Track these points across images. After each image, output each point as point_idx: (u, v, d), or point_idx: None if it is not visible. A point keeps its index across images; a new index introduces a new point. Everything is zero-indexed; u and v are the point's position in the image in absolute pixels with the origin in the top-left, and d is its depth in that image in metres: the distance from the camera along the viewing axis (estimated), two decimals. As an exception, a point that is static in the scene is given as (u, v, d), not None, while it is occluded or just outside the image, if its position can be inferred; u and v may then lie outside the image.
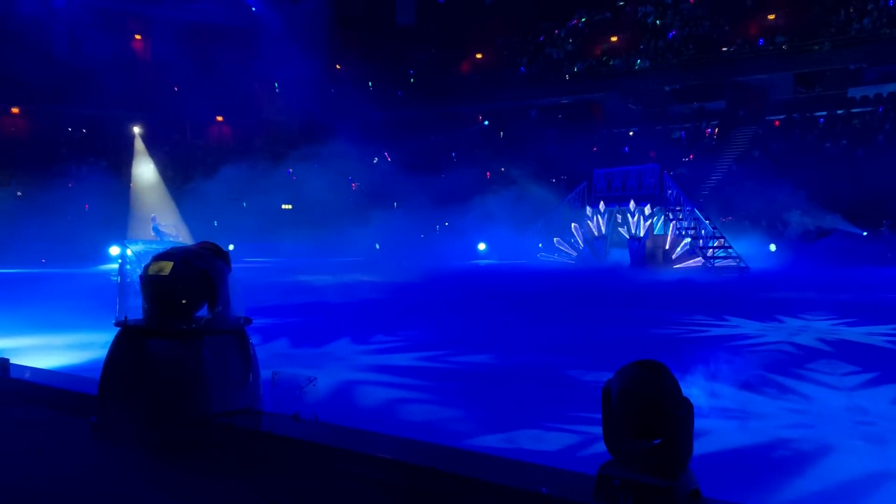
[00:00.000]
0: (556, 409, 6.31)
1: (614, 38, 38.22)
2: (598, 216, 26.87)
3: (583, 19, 40.00)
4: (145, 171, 30.27)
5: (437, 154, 36.91)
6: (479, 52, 41.21)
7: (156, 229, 22.49)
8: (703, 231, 24.14)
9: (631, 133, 35.83)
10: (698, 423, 3.57)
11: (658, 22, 37.52)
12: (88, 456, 5.00)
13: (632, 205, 25.68)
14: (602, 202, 26.79)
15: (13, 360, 6.83)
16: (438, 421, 5.99)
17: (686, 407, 3.48)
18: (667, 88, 35.56)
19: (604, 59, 37.68)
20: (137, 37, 37.69)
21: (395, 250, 26.98)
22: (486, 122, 39.80)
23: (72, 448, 5.14)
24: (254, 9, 37.94)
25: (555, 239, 27.51)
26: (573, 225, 27.31)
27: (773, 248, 26.32)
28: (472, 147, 36.69)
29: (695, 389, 6.73)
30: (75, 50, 32.30)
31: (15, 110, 33.09)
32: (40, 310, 11.71)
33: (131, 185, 29.00)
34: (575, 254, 26.80)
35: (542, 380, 7.65)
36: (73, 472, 4.69)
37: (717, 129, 34.32)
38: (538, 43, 40.51)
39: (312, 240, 27.54)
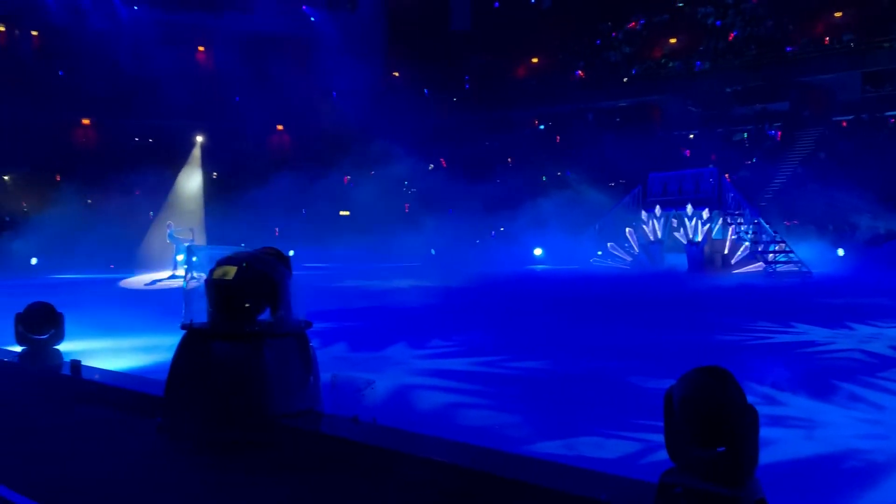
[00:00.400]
0: (617, 416, 6.22)
1: (673, 40, 37.61)
2: (654, 221, 26.50)
3: (641, 21, 39.47)
4: (192, 179, 31.09)
5: (493, 159, 36.88)
6: (534, 57, 41.04)
7: (171, 236, 22.69)
8: (763, 235, 23.56)
9: (691, 136, 35.16)
10: (763, 432, 3.48)
11: (718, 23, 36.77)
12: (154, 455, 5.14)
13: (689, 209, 25.26)
14: (658, 206, 26.43)
15: (84, 362, 7.08)
16: (496, 426, 5.97)
17: (751, 414, 3.40)
18: (728, 90, 34.80)
19: (662, 61, 37.11)
20: (201, 48, 38.75)
21: (450, 255, 27.04)
22: (542, 127, 39.60)
23: (138, 447, 5.30)
24: (312, 19, 38.59)
25: (609, 244, 27.21)
26: (628, 230, 26.97)
27: (840, 252, 25.47)
28: (528, 152, 36.54)
29: (760, 397, 6.55)
30: (141, 62, 33.40)
31: (85, 121, 34.36)
32: (110, 314, 12.11)
33: (171, 192, 29.71)
34: (630, 259, 26.44)
35: (601, 386, 7.55)
36: (140, 471, 4.83)
37: (780, 131, 33.43)
38: (595, 46, 40.13)
39: (369, 245, 27.83)
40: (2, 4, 32.39)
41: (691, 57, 36.14)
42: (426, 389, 7.29)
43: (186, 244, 23.17)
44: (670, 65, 36.65)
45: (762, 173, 30.60)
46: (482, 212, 29.79)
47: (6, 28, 34.46)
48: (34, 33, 34.38)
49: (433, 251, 28.87)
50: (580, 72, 39.11)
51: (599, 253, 27.14)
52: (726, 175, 28.38)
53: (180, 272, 21.98)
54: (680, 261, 24.69)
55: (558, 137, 37.77)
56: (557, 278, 22.61)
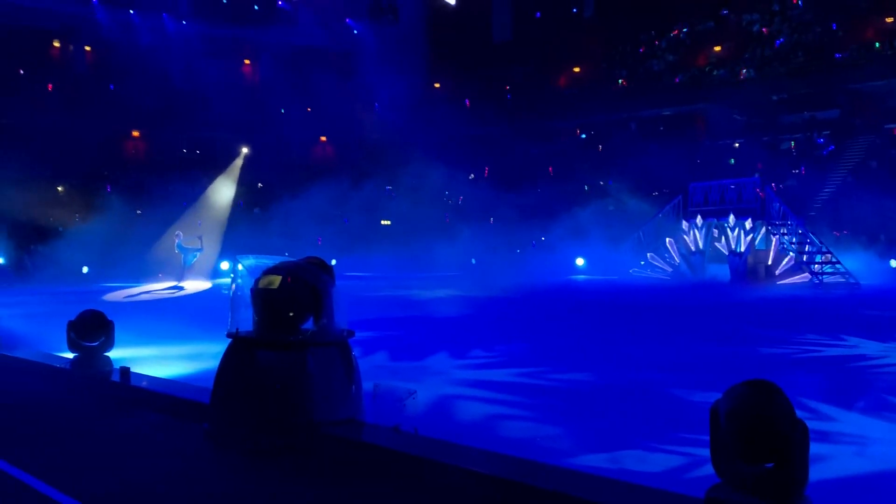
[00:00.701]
0: (661, 429, 6.13)
1: (718, 48, 37.12)
2: (696, 231, 26.17)
3: (684, 30, 39.05)
4: (225, 189, 31.68)
5: (534, 168, 36.77)
6: (576, 66, 40.86)
7: (179, 246, 22.86)
8: (809, 246, 23.07)
9: (736, 145, 34.60)
10: (813, 448, 3.40)
11: (764, 30, 36.18)
12: (201, 460, 5.23)
13: (731, 219, 24.97)
14: (699, 216, 26.13)
15: (133, 369, 7.25)
16: (538, 438, 5.93)
17: (801, 430, 3.32)
18: (774, 98, 34.18)
19: (707, 69, 36.64)
20: (247, 62, 39.47)
21: (491, 265, 27.00)
22: (584, 136, 39.37)
23: (185, 453, 5.40)
24: (356, 31, 39.04)
25: (648, 254, 26.94)
26: (668, 240, 26.66)
27: (894, 263, 24.77)
28: (570, 161, 36.36)
29: (809, 412, 6.40)
30: (189, 76, 34.14)
31: (135, 133, 35.23)
32: (158, 321, 12.37)
33: (200, 200, 30.12)
34: (670, 269, 26.10)
35: (645, 398, 7.45)
36: (187, 476, 4.92)
37: (829, 140, 32.71)
38: (638, 55, 39.81)
39: (410, 254, 27.94)
40: (58, 21, 33.44)
41: (736, 64, 35.61)
42: (467, 400, 7.28)
43: (195, 253, 23.51)
44: (714, 73, 36.16)
45: (811, 182, 29.96)
46: (523, 221, 29.69)
47: (61, 44, 35.57)
48: (87, 49, 35.42)
49: (473, 261, 28.87)
50: (623, 80, 38.82)
51: (642, 263, 26.86)
52: (772, 185, 27.92)
53: (186, 283, 22.21)
54: (722, 271, 24.30)
55: (600, 147, 37.52)
56: (599, 289, 22.42)
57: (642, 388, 7.93)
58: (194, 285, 22.05)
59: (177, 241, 23.14)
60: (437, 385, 7.79)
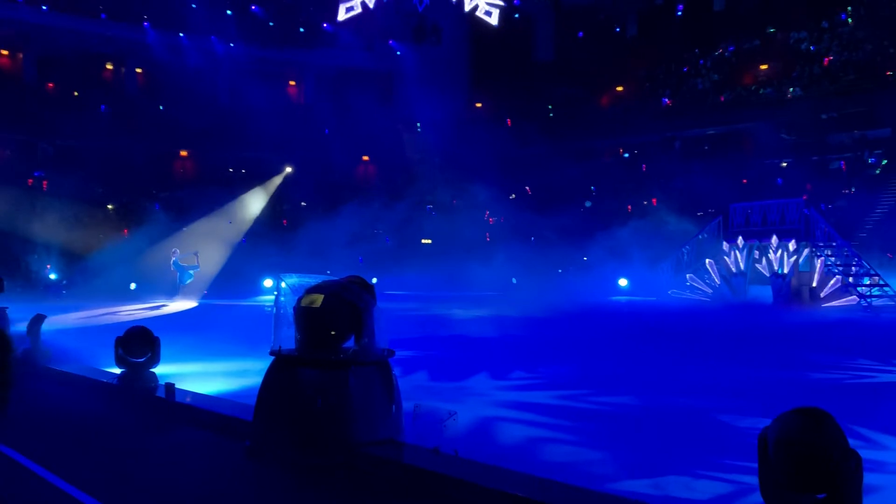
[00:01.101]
0: (707, 456, 5.99)
1: (764, 66, 36.57)
2: (737, 252, 25.75)
3: (730, 48, 38.61)
4: (254, 202, 32.25)
5: (576, 188, 36.57)
6: (619, 85, 40.65)
7: (175, 263, 22.60)
8: (856, 268, 22.54)
9: (784, 164, 33.95)
10: (867, 478, 3.28)
11: (813, 48, 35.57)
12: (242, 477, 5.26)
13: (774, 240, 24.52)
14: (741, 237, 25.75)
15: (177, 385, 7.35)
16: (580, 463, 5.84)
17: (854, 459, 3.20)
18: (823, 117, 33.49)
19: (753, 87, 36.11)
20: (292, 83, 40.18)
21: (532, 285, 26.83)
22: (627, 155, 39.07)
23: (227, 469, 5.44)
24: (398, 53, 39.45)
25: (688, 275, 26.63)
26: (708, 261, 26.32)
27: (948, 287, 23.96)
28: (613, 181, 36.07)
29: (862, 441, 6.18)
30: (236, 96, 34.86)
31: (183, 153, 36.04)
32: (203, 338, 12.54)
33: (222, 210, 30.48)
34: (710, 291, 25.72)
35: (690, 423, 7.29)
36: (228, 493, 4.95)
37: (881, 159, 31.89)
38: (682, 74, 39.46)
39: (451, 273, 27.93)
40: (111, 45, 34.51)
41: (783, 83, 35.03)
42: (508, 422, 7.21)
43: (190, 272, 23.22)
44: (761, 91, 35.62)
45: (862, 203, 29.20)
46: (564, 241, 29.49)
47: (114, 67, 36.68)
48: (138, 71, 36.44)
49: (514, 280, 28.74)
50: (667, 100, 38.49)
51: (688, 282, 26.48)
52: (817, 206, 27.34)
53: (174, 302, 21.72)
54: (764, 293, 23.86)
55: (644, 166, 37.18)
56: (641, 310, 22.12)
57: (687, 412, 7.76)
58: (180, 305, 21.62)
59: (173, 258, 22.77)
60: (478, 406, 7.73)
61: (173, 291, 22.51)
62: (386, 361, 5.68)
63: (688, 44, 38.78)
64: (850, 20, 35.20)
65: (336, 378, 5.42)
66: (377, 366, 5.61)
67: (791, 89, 34.67)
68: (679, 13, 38.42)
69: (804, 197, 25.63)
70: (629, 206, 33.25)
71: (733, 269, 25.66)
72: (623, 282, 28.18)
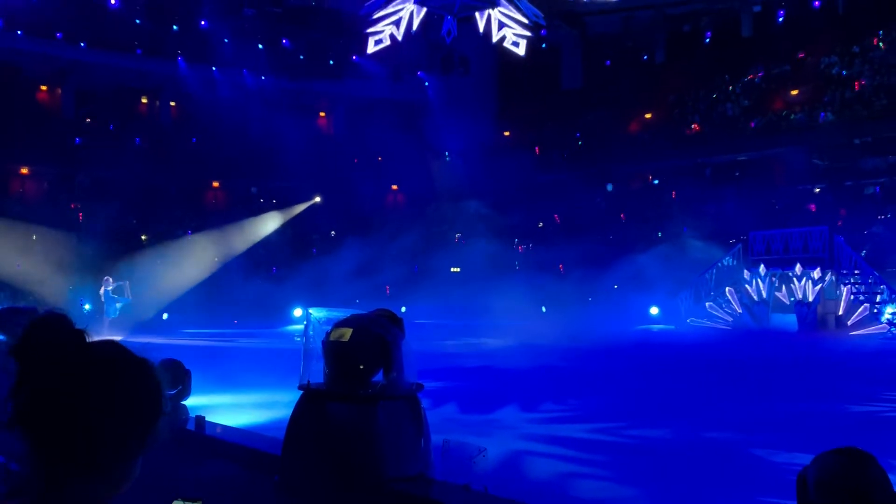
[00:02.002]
0: (744, 492, 5.84)
1: (795, 92, 36.24)
2: (758, 280, 25.61)
3: (759, 74, 38.38)
4: (268, 223, 32.60)
5: (605, 215, 36.38)
6: (648, 112, 40.55)
7: (106, 294, 20.24)
8: (880, 295, 22.30)
9: (817, 190, 33.49)
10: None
11: (844, 72, 35.22)
12: (271, 514, 5.24)
13: (798, 268, 24.49)
14: (762, 265, 25.65)
15: (208, 418, 7.37)
16: (612, 499, 5.73)
17: (899, 504, 3.09)
18: (857, 142, 33.04)
19: (784, 113, 35.79)
20: (322, 114, 40.71)
21: (562, 314, 26.62)
22: (657, 182, 38.84)
23: (257, 505, 5.42)
24: (427, 84, 39.84)
25: (707, 304, 26.47)
26: (728, 289, 26.13)
27: None
28: (643, 207, 35.84)
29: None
30: (267, 128, 35.41)
31: (215, 184, 36.60)
32: (233, 369, 12.60)
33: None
34: (731, 319, 25.49)
35: (726, 458, 7.13)
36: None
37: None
38: (711, 100, 39.26)
39: (480, 302, 27.84)
40: (146, 80, 35.34)
41: (815, 108, 34.67)
42: (539, 457, 7.11)
43: (118, 304, 20.19)
44: (792, 117, 35.28)
45: (898, 229, 28.65)
46: (594, 268, 29.27)
47: (148, 100, 37.51)
48: (172, 104, 37.21)
49: (544, 309, 28.55)
50: (696, 125, 38.29)
51: (709, 310, 26.25)
52: (856, 231, 26.94)
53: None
54: (787, 322, 23.65)
55: (674, 193, 36.91)
56: (671, 339, 21.84)
57: (723, 447, 7.59)
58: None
59: (104, 287, 20.42)
60: (508, 440, 7.64)
61: (100, 326, 19.96)
62: (415, 396, 5.64)
63: (717, 69, 38.61)
64: (881, 45, 34.85)
65: (365, 413, 5.39)
66: (406, 400, 5.58)
67: (823, 114, 34.31)
68: (707, 40, 38.35)
69: (839, 223, 25.37)
70: (659, 233, 32.97)
71: (755, 298, 25.53)
72: (654, 310, 27.90)
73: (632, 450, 7.50)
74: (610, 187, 35.57)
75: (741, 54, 37.91)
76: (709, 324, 25.65)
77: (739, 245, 27.35)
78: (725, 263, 27.52)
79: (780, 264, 25.35)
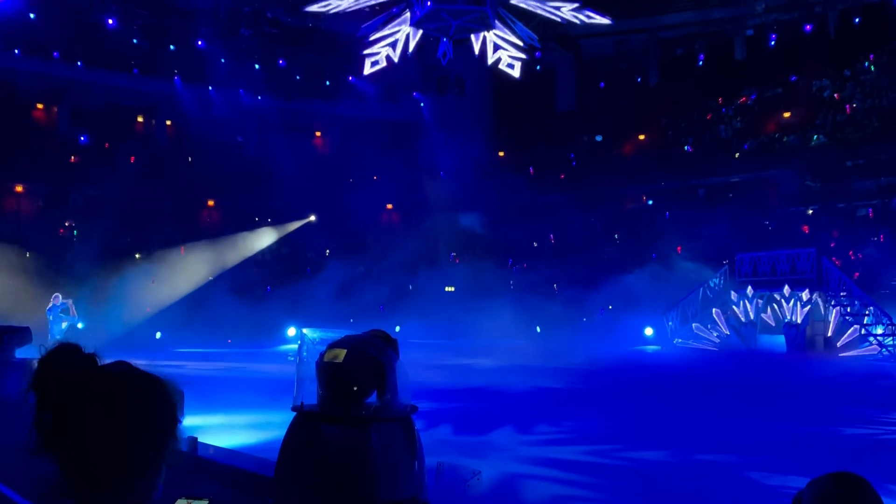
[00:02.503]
0: (737, 516, 5.82)
1: (787, 114, 36.55)
2: (746, 301, 25.91)
3: (752, 96, 38.73)
4: (263, 238, 32.61)
5: (600, 236, 36.48)
6: (642, 133, 40.81)
7: (51, 310, 18.89)
8: (867, 317, 22.64)
9: (810, 212, 33.67)
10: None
11: (836, 95, 35.56)
12: (264, 537, 5.19)
13: (786, 290, 24.75)
14: (750, 287, 25.98)
15: (201, 439, 7.32)
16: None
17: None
18: (849, 164, 33.30)
19: (776, 135, 36.07)
20: (317, 133, 40.84)
21: (556, 334, 26.61)
22: (651, 202, 39.01)
23: (249, 528, 5.37)
24: (422, 105, 40.06)
25: (693, 325, 26.64)
26: (714, 311, 26.39)
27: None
28: (636, 229, 35.96)
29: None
30: (263, 147, 35.49)
31: (210, 203, 36.60)
32: (226, 389, 12.54)
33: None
34: (718, 340, 25.67)
35: (721, 481, 7.11)
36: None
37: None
38: (705, 122, 39.56)
39: (473, 322, 27.82)
40: (143, 99, 35.45)
41: (807, 130, 34.96)
42: (534, 480, 7.08)
43: (64, 324, 18.77)
44: (785, 139, 35.55)
45: (891, 250, 28.79)
46: (589, 289, 29.31)
47: (144, 119, 37.59)
48: (168, 123, 37.29)
49: (538, 329, 28.53)
50: (690, 147, 38.54)
51: (695, 331, 26.39)
52: (849, 253, 27.13)
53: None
54: (775, 343, 23.94)
55: (667, 214, 37.08)
56: (665, 360, 21.85)
57: (717, 470, 7.58)
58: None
59: (52, 303, 19.13)
60: (502, 462, 7.61)
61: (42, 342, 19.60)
62: (409, 418, 5.61)
63: (710, 92, 38.96)
64: (872, 68, 35.24)
65: (358, 435, 5.34)
66: (400, 422, 5.54)
67: (815, 136, 34.61)
68: (700, 62, 38.72)
69: (832, 245, 25.57)
70: (654, 255, 33.08)
71: (742, 319, 25.81)
72: (649, 331, 27.94)
73: (627, 472, 7.48)
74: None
75: (734, 77, 38.27)
76: (695, 345, 25.85)
77: (726, 266, 27.65)
78: (712, 285, 27.84)
79: (768, 286, 25.67)
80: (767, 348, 23.70)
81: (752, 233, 30.29)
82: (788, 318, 24.27)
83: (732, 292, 26.60)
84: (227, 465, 6.70)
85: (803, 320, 23.74)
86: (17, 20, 30.95)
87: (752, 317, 25.70)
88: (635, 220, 37.18)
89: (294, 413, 5.74)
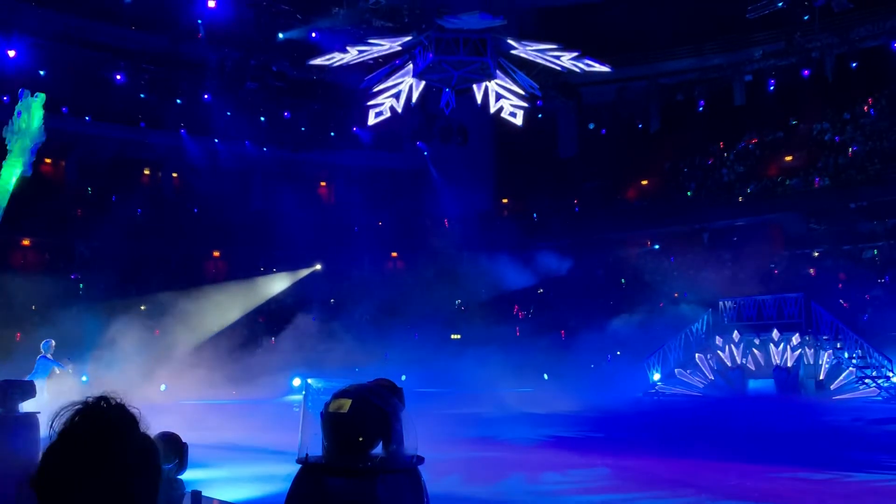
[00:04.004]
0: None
1: (789, 158, 36.80)
2: (732, 346, 26.08)
3: (753, 140, 39.04)
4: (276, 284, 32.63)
5: (605, 281, 36.42)
6: (644, 179, 41.06)
7: (42, 359, 16.90)
8: (856, 359, 22.97)
9: (816, 254, 33.63)
10: None
11: (837, 138, 35.82)
12: None
13: (775, 334, 25.07)
14: (736, 331, 26.26)
15: (205, 492, 7.20)
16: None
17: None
18: (852, 206, 33.38)
19: (779, 178, 36.26)
20: (322, 183, 41.21)
21: (563, 381, 26.36)
22: (657, 247, 39.03)
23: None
24: (426, 153, 40.49)
25: (676, 370, 26.56)
26: (697, 356, 26.52)
27: None
28: (640, 274, 35.90)
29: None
30: (268, 198, 35.76)
31: (216, 253, 36.76)
32: (231, 441, 12.40)
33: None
34: (702, 385, 25.58)
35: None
36: None
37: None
38: (707, 166, 39.82)
39: (480, 370, 27.58)
40: (149, 152, 35.90)
41: (809, 174, 35.13)
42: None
43: (50, 370, 16.70)
44: (787, 182, 35.72)
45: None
46: (596, 335, 29.13)
47: (151, 171, 38.02)
48: (174, 175, 37.69)
49: (546, 376, 28.28)
50: (692, 192, 38.72)
51: (679, 376, 26.39)
52: (857, 294, 27.08)
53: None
54: (764, 387, 24.07)
55: (672, 258, 37.07)
56: (676, 406, 21.66)
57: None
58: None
59: (44, 351, 17.26)
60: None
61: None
62: (416, 469, 5.53)
63: (711, 137, 39.31)
64: (871, 111, 35.59)
65: (364, 487, 5.25)
66: (406, 473, 5.46)
67: (817, 179, 34.76)
68: (700, 108, 39.16)
69: (839, 286, 25.66)
70: (661, 304, 32.92)
71: (728, 364, 25.80)
72: (657, 376, 27.73)
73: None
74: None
75: (734, 122, 38.65)
76: (679, 390, 25.86)
77: (710, 311, 27.96)
78: (694, 330, 28.03)
79: (756, 330, 25.92)
80: (757, 392, 23.75)
81: (758, 275, 30.20)
82: (778, 361, 24.35)
83: (717, 337, 26.77)
84: (230, 519, 6.58)
85: (794, 363, 24.00)
86: (27, 77, 31.51)
87: (738, 361, 25.73)
88: (640, 265, 37.14)
89: (299, 465, 5.67)
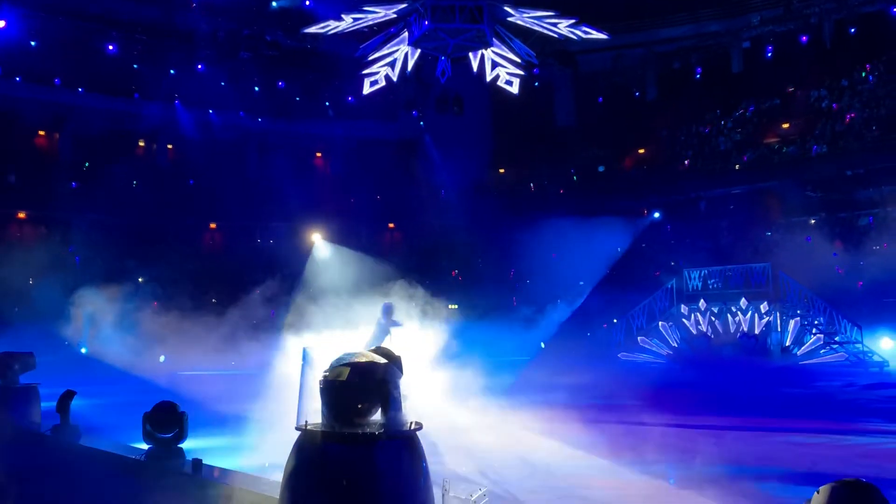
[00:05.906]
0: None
1: (786, 125, 36.66)
2: (698, 314, 26.78)
3: (750, 108, 38.85)
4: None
5: (602, 249, 36.46)
6: (641, 147, 40.92)
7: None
8: (836, 326, 23.98)
9: (812, 221, 33.67)
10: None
11: (834, 105, 35.66)
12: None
13: (743, 302, 25.81)
14: (702, 300, 26.96)
15: (205, 460, 7.29)
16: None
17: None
18: (849, 173, 33.34)
19: (776, 146, 36.16)
20: (318, 154, 40.99)
21: (561, 349, 26.54)
22: (657, 215, 39.01)
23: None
24: (422, 123, 40.23)
25: (639, 338, 27.30)
26: (661, 324, 27.15)
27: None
28: (638, 242, 35.94)
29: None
30: (264, 169, 35.60)
31: (212, 225, 36.70)
32: (230, 410, 12.50)
33: None
34: (666, 352, 26.26)
35: (726, 492, 7.06)
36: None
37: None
38: (703, 134, 39.68)
39: (477, 339, 27.68)
40: (143, 123, 35.62)
41: (806, 141, 35.03)
42: (540, 497, 7.03)
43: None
44: (784, 150, 35.63)
45: (893, 258, 28.75)
46: (592, 303, 29.29)
47: (145, 143, 37.75)
48: (169, 147, 37.45)
49: (542, 345, 28.44)
50: (689, 160, 38.62)
51: (643, 343, 26.80)
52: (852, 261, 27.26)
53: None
54: (732, 353, 24.65)
55: (669, 227, 37.09)
56: (647, 371, 22.09)
57: (721, 481, 7.52)
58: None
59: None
60: (512, 481, 7.56)
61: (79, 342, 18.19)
62: (414, 435, 5.59)
63: (708, 105, 39.08)
64: (869, 77, 35.35)
65: (363, 453, 5.33)
66: (405, 440, 5.53)
67: (814, 147, 34.66)
68: (697, 76, 38.89)
69: (834, 255, 26.04)
70: (657, 273, 33.02)
71: (694, 332, 26.44)
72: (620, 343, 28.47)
73: (631, 486, 7.43)
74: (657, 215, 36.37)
75: (731, 89, 38.40)
76: (644, 357, 26.29)
77: (674, 280, 28.58)
78: (657, 299, 28.65)
79: (723, 299, 26.59)
80: (726, 358, 24.28)
81: (755, 243, 30.27)
82: (745, 328, 25.17)
83: (683, 306, 27.39)
84: (231, 486, 6.67)
85: (762, 330, 24.82)
86: (18, 48, 31.17)
87: (704, 329, 26.37)
88: (638, 233, 37.13)
89: (299, 432, 5.73)
